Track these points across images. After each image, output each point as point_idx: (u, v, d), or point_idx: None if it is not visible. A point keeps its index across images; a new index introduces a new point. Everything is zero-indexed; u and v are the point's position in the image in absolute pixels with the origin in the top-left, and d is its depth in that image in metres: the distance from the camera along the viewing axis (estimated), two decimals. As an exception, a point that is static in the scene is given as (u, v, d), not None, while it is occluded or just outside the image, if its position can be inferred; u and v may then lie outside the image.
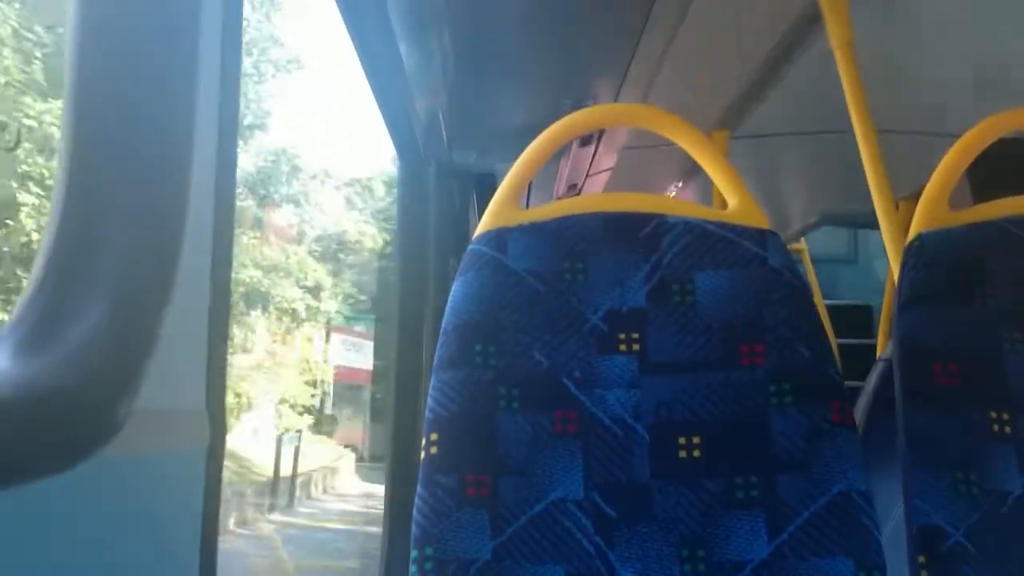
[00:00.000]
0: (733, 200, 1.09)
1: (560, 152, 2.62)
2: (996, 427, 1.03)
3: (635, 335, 1.05)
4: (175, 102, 0.64)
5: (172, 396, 0.64)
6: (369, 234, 16.29)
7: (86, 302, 0.57)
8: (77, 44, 0.62)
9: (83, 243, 0.59)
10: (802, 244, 3.49)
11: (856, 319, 4.03)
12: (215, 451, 0.69)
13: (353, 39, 1.61)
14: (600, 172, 2.72)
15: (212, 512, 0.68)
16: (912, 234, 1.11)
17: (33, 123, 7.20)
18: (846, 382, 1.06)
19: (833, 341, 3.20)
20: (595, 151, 2.53)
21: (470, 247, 1.09)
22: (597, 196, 1.13)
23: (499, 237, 1.08)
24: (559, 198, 2.90)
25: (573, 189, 2.90)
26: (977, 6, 1.55)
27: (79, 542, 0.56)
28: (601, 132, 2.38)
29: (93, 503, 0.57)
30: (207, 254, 0.68)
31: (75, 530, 0.56)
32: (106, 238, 0.59)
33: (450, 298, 1.07)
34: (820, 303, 3.33)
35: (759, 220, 1.07)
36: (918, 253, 1.10)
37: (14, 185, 7.27)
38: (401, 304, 2.09)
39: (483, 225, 1.10)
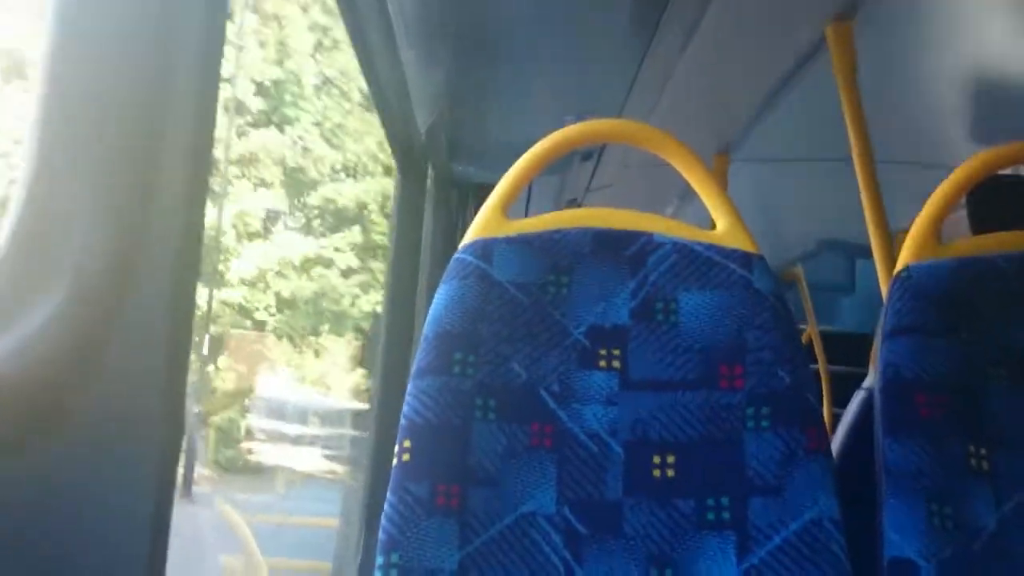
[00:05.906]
0: (722, 222, 1.08)
1: (562, 166, 2.62)
2: (974, 462, 1.02)
3: (616, 352, 1.04)
4: (148, 94, 0.64)
5: (127, 392, 0.63)
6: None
7: (41, 290, 0.56)
8: (53, 34, 0.61)
9: (44, 229, 0.58)
10: (798, 270, 3.47)
11: (854, 347, 4.00)
12: (170, 451, 0.67)
13: (355, 45, 1.61)
14: (600, 188, 2.72)
15: (164, 514, 0.67)
16: (900, 265, 1.10)
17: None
18: (838, 410, 1.04)
19: (824, 368, 3.19)
20: (595, 166, 2.53)
21: (455, 255, 1.08)
22: (586, 211, 1.12)
23: (485, 247, 1.07)
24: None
25: (573, 203, 2.90)
26: (981, 39, 1.54)
27: (22, 536, 0.55)
28: (602, 148, 2.38)
29: (38, 497, 0.56)
30: (173, 245, 0.67)
31: (19, 524, 0.55)
32: (68, 225, 0.58)
33: (432, 306, 1.06)
34: (813, 330, 3.30)
35: (746, 243, 1.07)
36: (905, 285, 1.09)
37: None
38: (390, 311, 2.08)
39: (470, 234, 1.09)
